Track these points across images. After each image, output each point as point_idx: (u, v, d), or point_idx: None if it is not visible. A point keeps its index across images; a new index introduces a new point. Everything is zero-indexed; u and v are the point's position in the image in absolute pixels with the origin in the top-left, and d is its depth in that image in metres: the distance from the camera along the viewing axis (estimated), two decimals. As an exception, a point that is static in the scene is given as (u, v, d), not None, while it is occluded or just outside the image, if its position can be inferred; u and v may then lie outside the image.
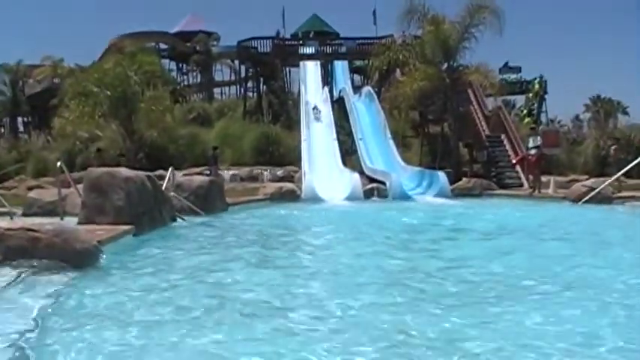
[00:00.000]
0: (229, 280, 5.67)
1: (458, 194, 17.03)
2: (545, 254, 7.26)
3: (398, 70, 25.58)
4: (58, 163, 11.05)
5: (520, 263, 6.61)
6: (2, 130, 40.43)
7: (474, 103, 22.48)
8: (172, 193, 11.23)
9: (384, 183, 17.50)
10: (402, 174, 18.49)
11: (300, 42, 31.73)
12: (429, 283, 5.53)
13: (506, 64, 34.67)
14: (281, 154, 22.99)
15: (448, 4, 25.00)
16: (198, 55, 39.75)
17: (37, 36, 73.10)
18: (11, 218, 10.77)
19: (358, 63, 30.62)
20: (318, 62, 27.91)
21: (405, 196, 16.71)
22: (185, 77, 43.71)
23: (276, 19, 45.80)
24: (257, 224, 10.98)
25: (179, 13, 66.94)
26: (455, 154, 21.09)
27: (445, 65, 21.02)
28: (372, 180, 18.20)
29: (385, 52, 24.29)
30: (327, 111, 22.44)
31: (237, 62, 37.71)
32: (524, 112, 31.19)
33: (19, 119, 40.49)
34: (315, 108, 22.77)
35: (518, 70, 34.88)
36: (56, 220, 8.90)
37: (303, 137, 20.40)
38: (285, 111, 28.90)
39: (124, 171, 9.20)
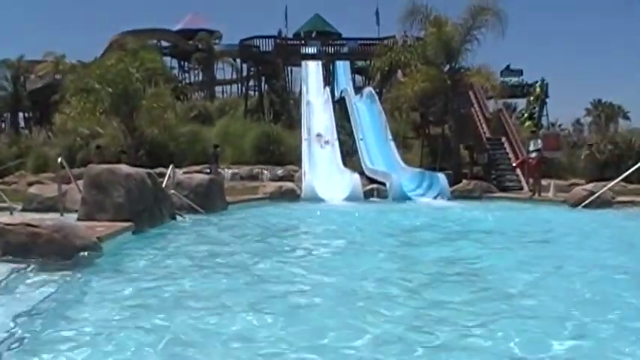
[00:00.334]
0: (226, 280, 5.66)
1: (457, 196, 17.02)
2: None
3: (399, 71, 25.61)
4: (59, 159, 11.08)
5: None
6: (3, 125, 40.50)
7: (475, 105, 22.48)
8: (172, 191, 11.24)
9: (384, 184, 17.53)
10: (402, 175, 18.48)
11: (303, 42, 31.78)
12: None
13: (508, 66, 34.62)
14: (281, 153, 22.99)
15: (450, 6, 25.04)
16: (200, 53, 39.78)
17: (39, 32, 73.18)
18: (11, 213, 10.75)
19: (360, 63, 30.61)
20: (320, 62, 27.90)
21: (404, 197, 16.73)
22: (187, 75, 43.78)
23: (279, 18, 45.77)
24: (256, 223, 10.97)
25: (181, 11, 67.15)
26: (455, 156, 21.10)
27: (447, 67, 21.02)
28: (372, 180, 18.22)
29: (387, 53, 24.30)
30: (331, 139, 20.64)
31: (238, 61, 37.71)
32: (525, 115, 31.13)
33: (20, 115, 40.54)
34: (319, 135, 21.04)
35: (519, 73, 34.83)
36: (56, 215, 8.89)
37: (303, 137, 20.41)
38: (287, 110, 28.89)
39: (124, 168, 9.20)
